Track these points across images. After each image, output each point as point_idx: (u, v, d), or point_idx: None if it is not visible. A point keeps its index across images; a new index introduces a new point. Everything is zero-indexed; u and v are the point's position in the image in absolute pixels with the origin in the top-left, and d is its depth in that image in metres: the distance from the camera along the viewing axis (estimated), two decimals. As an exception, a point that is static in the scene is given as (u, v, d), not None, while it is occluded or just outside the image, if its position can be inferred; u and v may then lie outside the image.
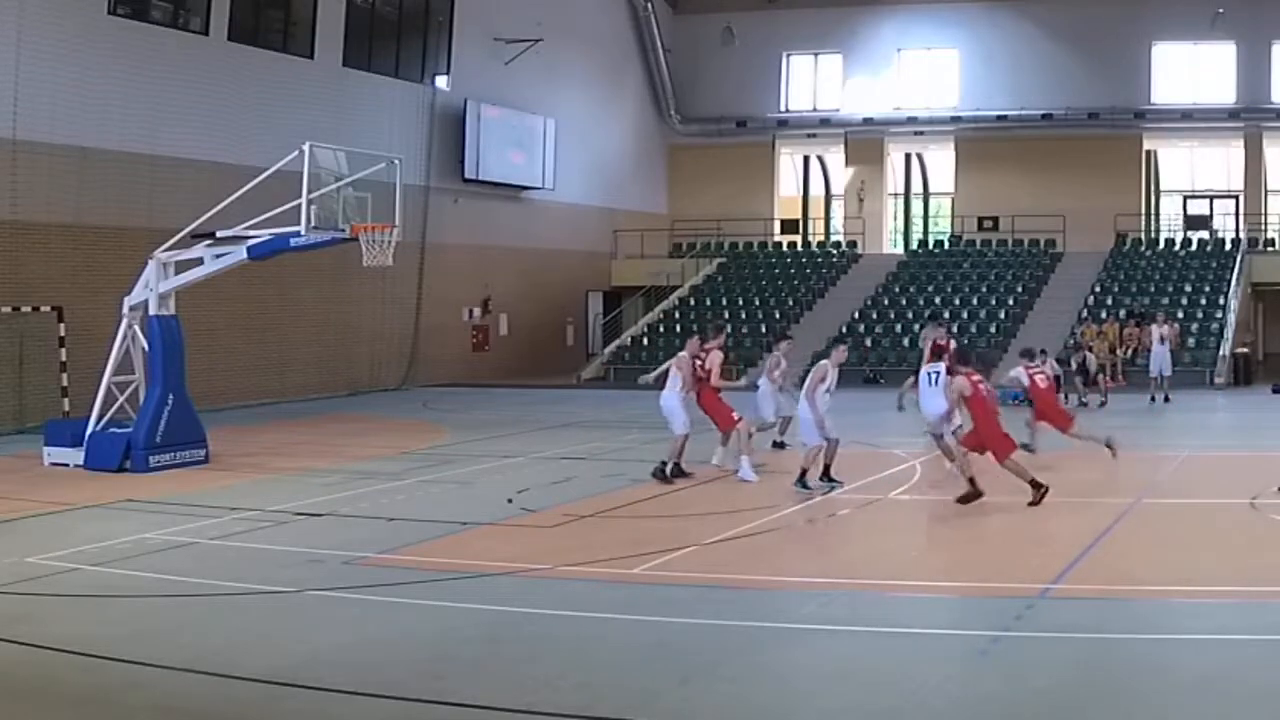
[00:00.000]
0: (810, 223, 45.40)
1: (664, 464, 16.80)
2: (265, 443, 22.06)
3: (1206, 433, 21.75)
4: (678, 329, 37.29)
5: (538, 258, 38.63)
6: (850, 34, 42.95)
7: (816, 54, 44.11)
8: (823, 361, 16.09)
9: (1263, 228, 39.77)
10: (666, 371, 17.35)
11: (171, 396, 18.86)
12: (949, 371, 15.99)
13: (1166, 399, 27.30)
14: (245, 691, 8.43)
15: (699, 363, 17.36)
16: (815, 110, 44.16)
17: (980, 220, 42.27)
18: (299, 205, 18.14)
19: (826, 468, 15.83)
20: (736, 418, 17.13)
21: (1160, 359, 27.96)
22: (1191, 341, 32.78)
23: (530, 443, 21.11)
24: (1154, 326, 28.83)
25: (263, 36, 29.70)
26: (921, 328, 31.70)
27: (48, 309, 24.13)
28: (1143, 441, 22.11)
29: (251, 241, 18.87)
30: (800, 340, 36.92)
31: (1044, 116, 40.95)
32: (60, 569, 11.94)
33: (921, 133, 43.32)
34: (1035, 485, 14.36)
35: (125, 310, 19.34)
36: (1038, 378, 18.13)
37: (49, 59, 24.29)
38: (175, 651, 9.13)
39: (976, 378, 14.91)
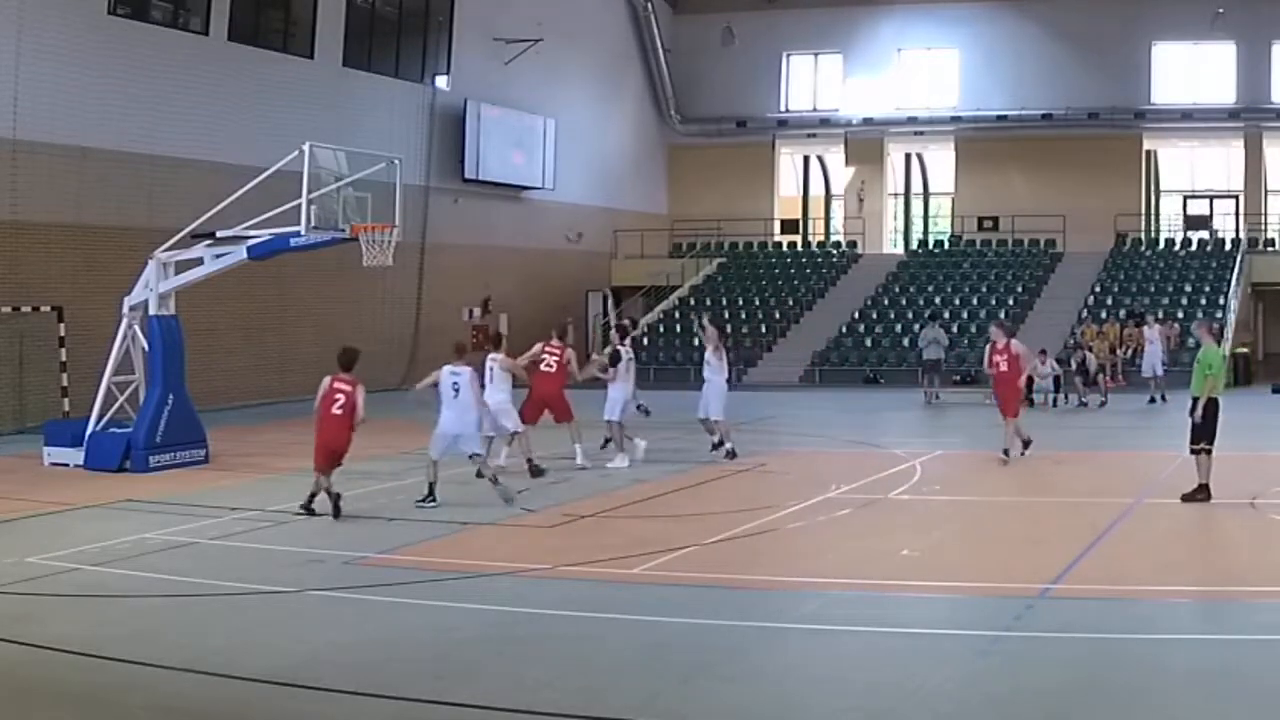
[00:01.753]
0: (810, 223, 45.38)
1: (531, 461, 17.34)
2: (265, 443, 22.05)
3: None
4: (678, 329, 37.34)
5: (538, 258, 38.63)
6: (850, 34, 42.92)
7: (816, 54, 44.10)
8: (491, 366, 16.22)
9: (1263, 228, 39.76)
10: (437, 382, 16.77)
11: (171, 396, 18.87)
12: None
13: (1163, 398, 27.24)
14: (245, 691, 8.43)
15: (556, 356, 18.44)
16: (815, 110, 44.14)
17: (980, 220, 42.25)
18: (299, 205, 18.14)
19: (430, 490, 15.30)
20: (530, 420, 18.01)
21: (1153, 359, 28.02)
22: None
23: (529, 443, 21.07)
24: (1145, 328, 28.92)
25: (263, 36, 29.68)
26: (922, 328, 31.76)
27: (48, 309, 24.13)
28: (1143, 441, 22.13)
29: (251, 241, 18.86)
30: (800, 340, 37.24)
31: (1044, 116, 40.93)
32: (60, 569, 11.94)
33: (921, 133, 43.30)
34: (309, 499, 14.57)
35: (125, 310, 19.34)
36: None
37: (49, 59, 24.28)
38: (175, 651, 9.13)
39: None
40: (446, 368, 15.57)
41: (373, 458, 19.76)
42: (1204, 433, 14.62)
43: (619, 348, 19.08)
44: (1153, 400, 27.41)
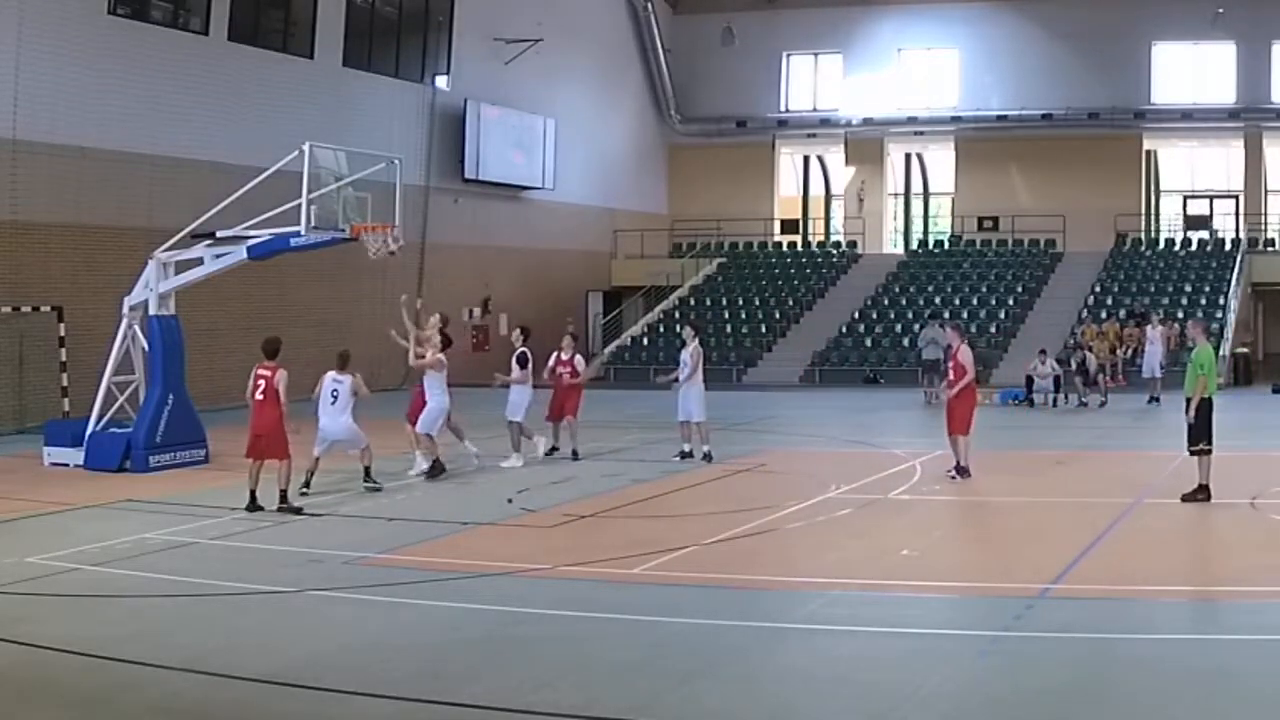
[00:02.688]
0: (810, 223, 45.39)
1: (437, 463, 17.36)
2: (265, 443, 21.99)
3: (1206, 433, 21.72)
4: (677, 329, 37.28)
5: (538, 258, 38.62)
6: (850, 34, 42.94)
7: (816, 54, 44.11)
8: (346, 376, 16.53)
9: (1263, 228, 39.77)
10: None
11: (171, 396, 18.87)
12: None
13: (1158, 399, 27.15)
14: (245, 691, 8.43)
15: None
16: (815, 110, 44.15)
17: (980, 220, 42.27)
18: (299, 205, 18.14)
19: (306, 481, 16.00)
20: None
21: (1153, 360, 28.03)
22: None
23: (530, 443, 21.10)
24: (1148, 327, 28.92)
25: (263, 36, 29.68)
26: (921, 328, 31.74)
27: (48, 309, 24.13)
28: (1143, 441, 22.13)
29: (251, 241, 18.86)
30: (800, 340, 37.24)
31: (1044, 116, 40.93)
32: (60, 569, 11.94)
33: (921, 133, 43.31)
34: (252, 497, 14.87)
35: (125, 310, 19.34)
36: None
37: (49, 59, 24.28)
38: (175, 651, 9.13)
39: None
40: (330, 374, 16.54)
41: (374, 458, 19.76)
42: (1201, 433, 14.62)
43: (525, 350, 19.32)
44: (1153, 400, 27.37)
